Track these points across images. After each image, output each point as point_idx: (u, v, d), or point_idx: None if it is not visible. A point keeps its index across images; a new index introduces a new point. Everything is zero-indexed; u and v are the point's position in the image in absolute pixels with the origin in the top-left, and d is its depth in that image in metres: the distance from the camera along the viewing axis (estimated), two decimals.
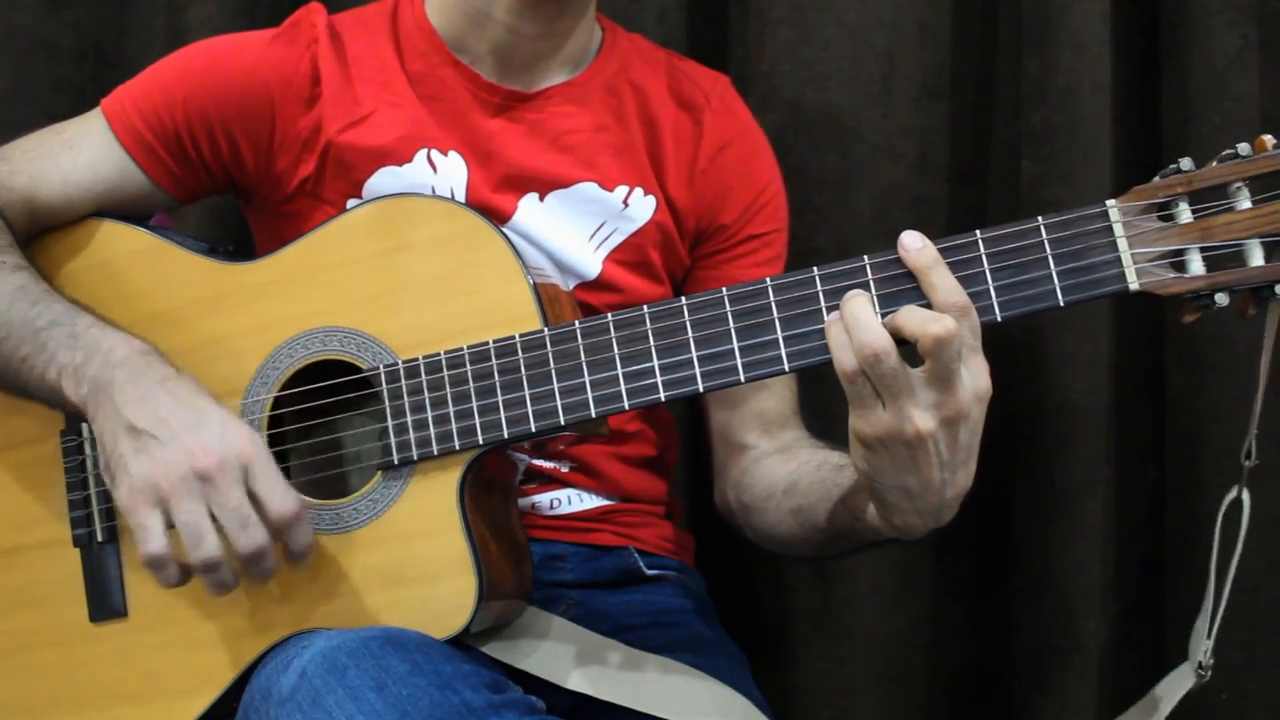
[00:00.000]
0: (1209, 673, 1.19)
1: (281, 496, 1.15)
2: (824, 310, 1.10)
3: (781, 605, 1.73)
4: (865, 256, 1.09)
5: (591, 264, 1.38)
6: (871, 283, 1.08)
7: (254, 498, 1.14)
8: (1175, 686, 1.22)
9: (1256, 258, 1.04)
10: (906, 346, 1.04)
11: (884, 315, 1.06)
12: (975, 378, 1.05)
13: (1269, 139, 1.04)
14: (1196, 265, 1.05)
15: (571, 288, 1.36)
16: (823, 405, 1.42)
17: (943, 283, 1.05)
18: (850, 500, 1.20)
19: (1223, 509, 1.17)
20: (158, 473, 1.14)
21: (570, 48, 1.39)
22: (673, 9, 1.71)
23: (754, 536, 1.41)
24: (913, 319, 1.03)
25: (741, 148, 1.46)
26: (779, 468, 1.37)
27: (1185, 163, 1.06)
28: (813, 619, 1.72)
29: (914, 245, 1.07)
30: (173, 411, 1.16)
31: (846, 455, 1.15)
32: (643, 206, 1.40)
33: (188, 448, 1.14)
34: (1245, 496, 1.16)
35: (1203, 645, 1.19)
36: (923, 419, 1.04)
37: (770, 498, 1.35)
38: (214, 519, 1.14)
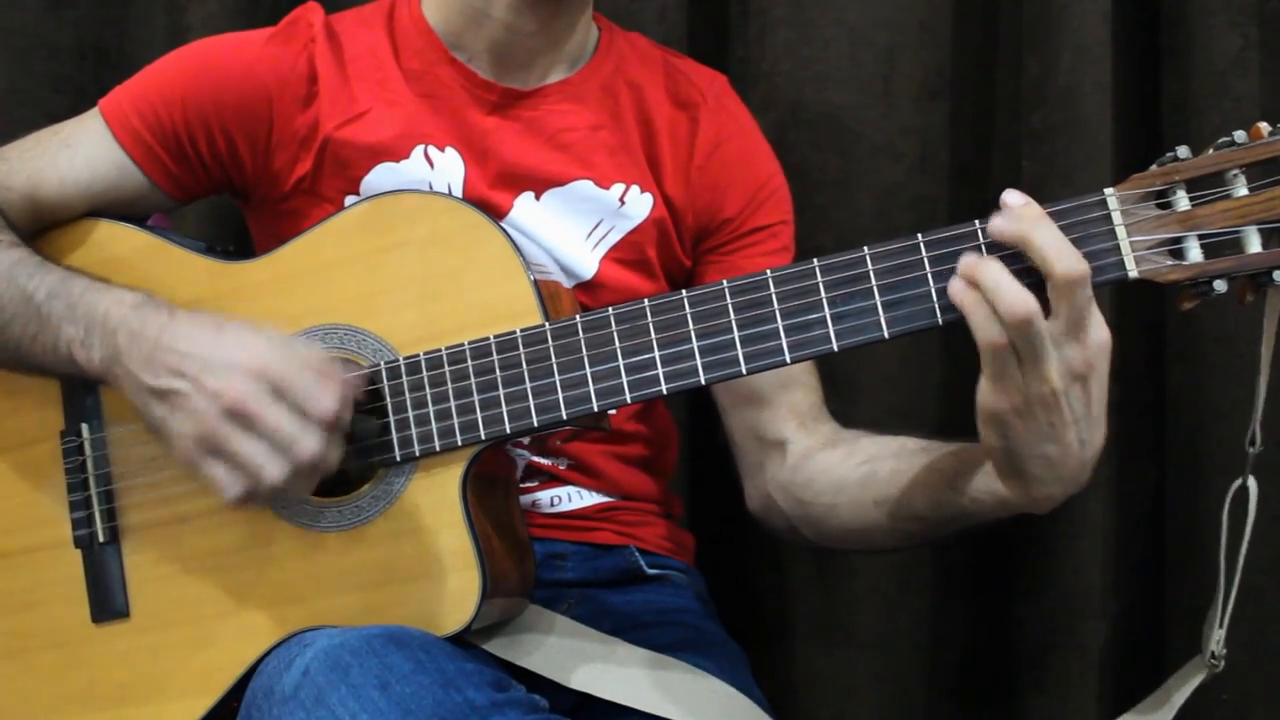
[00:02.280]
0: (1221, 663, 1.19)
1: (314, 400, 1.13)
2: (824, 301, 1.10)
3: (781, 605, 1.73)
4: (865, 247, 1.09)
5: (589, 263, 1.39)
6: (872, 272, 1.09)
7: (291, 408, 1.13)
8: (1187, 679, 1.21)
9: (1254, 244, 1.05)
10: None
11: (885, 303, 1.06)
12: (1098, 329, 1.05)
13: (1264, 126, 1.04)
14: (1194, 252, 1.05)
15: (570, 287, 1.36)
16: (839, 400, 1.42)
17: (1055, 235, 1.04)
18: (959, 482, 1.18)
19: (1229, 496, 1.17)
20: (198, 426, 1.14)
21: (567, 46, 1.39)
22: (673, 8, 1.71)
23: (814, 534, 1.38)
24: (1053, 248, 1.02)
25: (738, 143, 1.46)
26: (843, 461, 1.34)
27: (1182, 151, 1.06)
28: (813, 619, 1.72)
29: (1018, 202, 1.06)
30: (182, 359, 1.16)
31: (917, 440, 1.16)
32: (640, 204, 1.40)
33: (211, 390, 1.13)
34: (1252, 483, 1.16)
35: (1215, 635, 1.18)
36: (1057, 376, 1.03)
37: (841, 491, 1.32)
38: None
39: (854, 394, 1.64)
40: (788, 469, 1.39)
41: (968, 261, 1.05)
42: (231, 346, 1.15)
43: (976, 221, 1.08)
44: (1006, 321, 1.02)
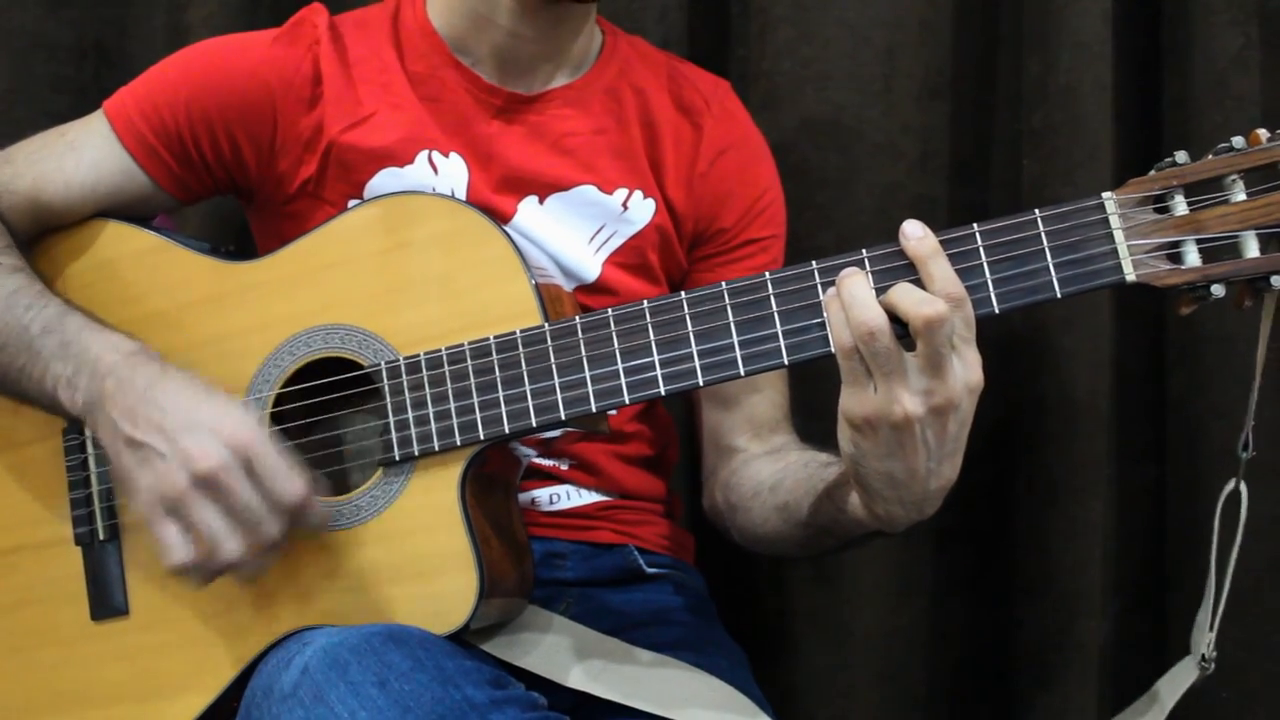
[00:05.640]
0: (1212, 665, 1.19)
1: (285, 485, 1.14)
2: (823, 304, 1.10)
3: (781, 604, 1.73)
4: (864, 250, 1.09)
5: (591, 266, 1.39)
6: (870, 276, 1.08)
7: (260, 488, 1.13)
8: (1178, 681, 1.22)
9: (1252, 249, 1.04)
10: (906, 333, 1.04)
11: (879, 292, 1.06)
12: (968, 369, 1.05)
13: (1263, 133, 1.04)
14: (1193, 257, 1.05)
15: (572, 290, 1.36)
16: (822, 405, 1.41)
17: (940, 272, 1.05)
18: (835, 493, 1.20)
19: (1221, 501, 1.17)
20: (164, 484, 1.14)
21: (571, 51, 1.39)
22: (673, 8, 1.71)
23: (739, 537, 1.41)
24: (907, 298, 1.04)
25: (741, 152, 1.46)
26: (767, 467, 1.37)
27: (1180, 156, 1.06)
28: (813, 618, 1.72)
29: (915, 234, 1.07)
30: (165, 415, 1.15)
31: (834, 454, 1.15)
32: (642, 209, 1.40)
33: (186, 453, 1.13)
34: (1244, 489, 1.16)
35: (1205, 638, 1.18)
36: (912, 403, 1.04)
37: (756, 495, 1.35)
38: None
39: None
40: (728, 472, 1.42)
41: (841, 274, 1.07)
42: (218, 414, 1.15)
43: (976, 225, 1.08)
44: (854, 331, 1.04)
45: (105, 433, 1.19)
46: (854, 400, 1.06)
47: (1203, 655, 1.19)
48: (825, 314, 1.08)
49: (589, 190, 1.38)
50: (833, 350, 1.07)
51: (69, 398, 1.22)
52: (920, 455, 1.06)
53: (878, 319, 1.04)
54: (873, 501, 1.11)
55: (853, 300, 1.05)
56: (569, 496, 1.40)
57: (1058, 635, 1.63)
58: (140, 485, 1.16)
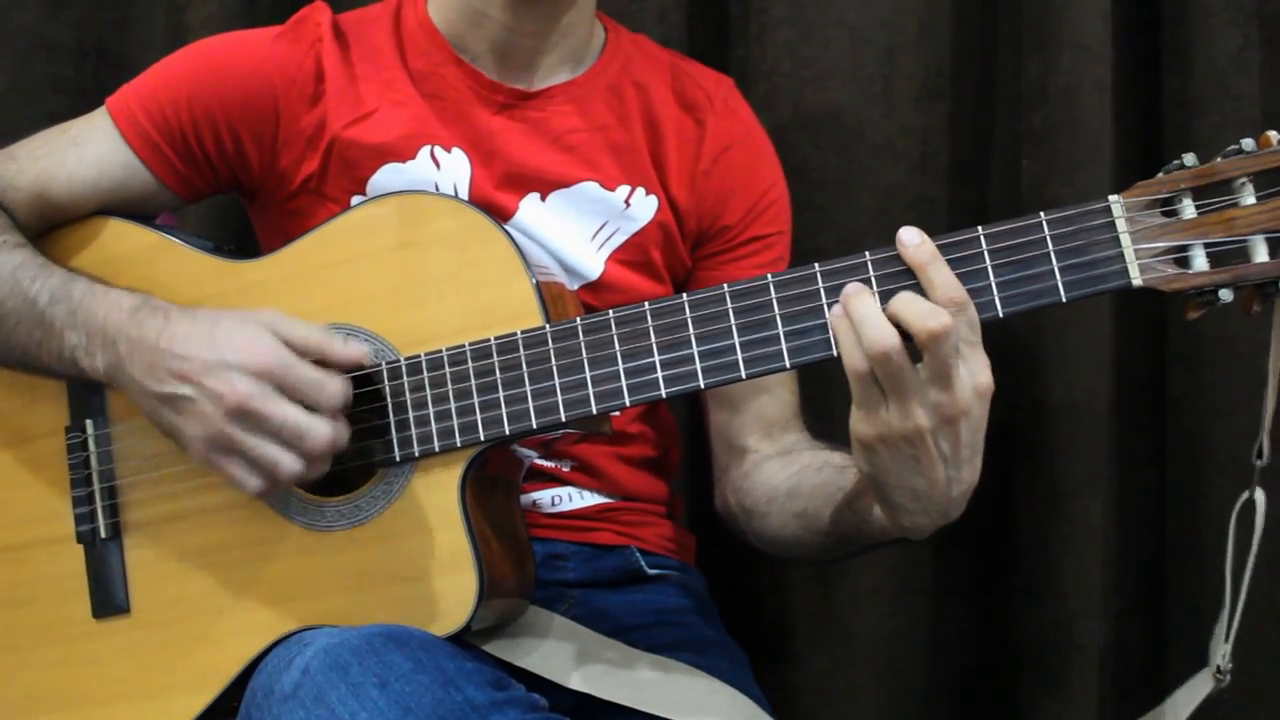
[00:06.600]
0: (1227, 677, 1.18)
1: (319, 390, 1.15)
2: (825, 306, 1.10)
3: (782, 605, 1.73)
4: (867, 252, 1.09)
5: (593, 264, 1.39)
6: (873, 279, 1.08)
7: (299, 399, 1.15)
8: (1194, 693, 1.21)
9: (1261, 254, 1.03)
10: (909, 341, 1.04)
11: (883, 298, 1.06)
12: (975, 374, 1.05)
13: (1274, 135, 1.03)
14: (1200, 261, 1.04)
15: (575, 288, 1.36)
16: (824, 405, 1.42)
17: (940, 278, 1.05)
18: (856, 503, 1.19)
19: (1236, 509, 1.16)
20: (207, 428, 1.15)
21: (569, 46, 1.39)
22: (673, 8, 1.71)
23: (757, 541, 1.40)
24: (911, 310, 1.03)
25: (744, 150, 1.46)
26: (780, 471, 1.36)
27: (1189, 158, 1.05)
28: (813, 619, 1.72)
29: (912, 241, 1.06)
30: (183, 363, 1.17)
31: (847, 455, 1.15)
32: (644, 206, 1.40)
33: (214, 392, 1.15)
34: (1259, 496, 1.14)
35: (1220, 649, 1.17)
36: (922, 416, 1.04)
37: (772, 501, 1.35)
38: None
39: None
40: (740, 474, 1.42)
41: (846, 291, 1.06)
42: (228, 346, 1.16)
43: (980, 228, 1.07)
44: (867, 352, 1.04)
45: (135, 395, 1.21)
46: (865, 423, 1.06)
47: (1218, 667, 1.18)
48: (833, 334, 1.07)
49: (591, 187, 1.38)
50: (835, 354, 1.07)
51: (90, 365, 1.22)
52: (938, 466, 1.06)
53: (890, 338, 1.03)
54: (898, 515, 1.11)
55: (863, 320, 1.04)
56: (571, 498, 1.40)
57: (1058, 637, 1.63)
58: (188, 435, 1.17)
